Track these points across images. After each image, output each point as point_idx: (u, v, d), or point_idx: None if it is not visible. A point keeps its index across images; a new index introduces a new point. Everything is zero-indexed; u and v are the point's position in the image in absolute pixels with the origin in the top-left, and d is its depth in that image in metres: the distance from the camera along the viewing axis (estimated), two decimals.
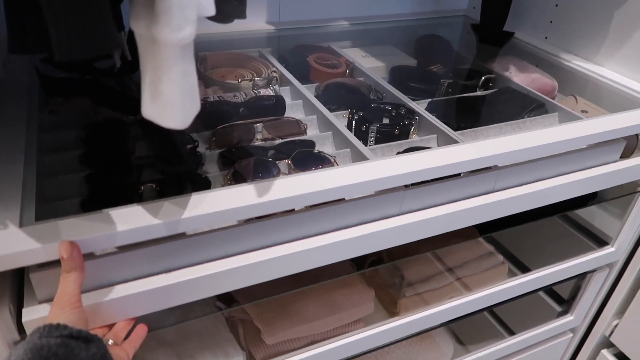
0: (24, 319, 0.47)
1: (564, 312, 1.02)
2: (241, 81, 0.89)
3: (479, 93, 0.93)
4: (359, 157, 0.71)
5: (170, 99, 0.42)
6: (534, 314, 1.05)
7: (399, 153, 0.72)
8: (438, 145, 0.78)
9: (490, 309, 1.09)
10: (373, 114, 0.79)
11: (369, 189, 0.59)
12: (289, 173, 0.68)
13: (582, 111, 0.86)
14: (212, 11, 0.44)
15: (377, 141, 0.77)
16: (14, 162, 0.53)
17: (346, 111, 0.81)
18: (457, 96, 0.90)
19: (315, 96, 0.84)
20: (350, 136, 0.73)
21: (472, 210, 0.66)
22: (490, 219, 0.69)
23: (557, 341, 1.04)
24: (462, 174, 0.67)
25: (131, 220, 0.48)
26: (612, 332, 1.03)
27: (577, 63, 0.96)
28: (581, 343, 1.09)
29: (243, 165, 0.66)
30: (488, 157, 0.64)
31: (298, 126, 0.78)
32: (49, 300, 0.48)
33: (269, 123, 0.77)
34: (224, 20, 0.52)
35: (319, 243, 0.58)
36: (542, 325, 0.99)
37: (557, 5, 1.02)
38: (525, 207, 0.72)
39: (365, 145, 0.74)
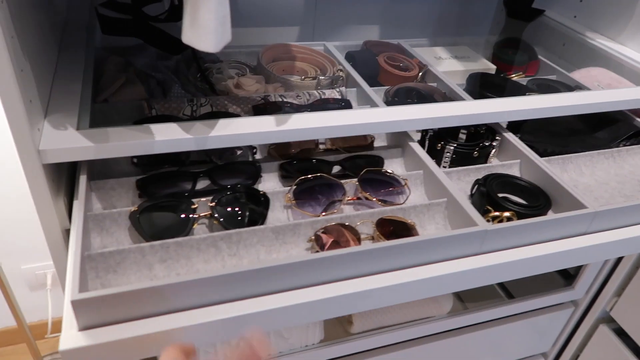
0: (60, 348, 0.43)
1: (568, 285, 1.00)
2: (304, 78, 0.82)
3: None
4: (433, 180, 0.63)
5: (206, 24, 0.48)
6: (540, 285, 1.02)
7: (477, 181, 0.64)
8: (521, 174, 0.69)
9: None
10: (449, 131, 0.71)
11: (378, 130, 0.66)
12: (357, 197, 0.61)
13: None
14: None
15: (453, 162, 0.69)
16: (74, 82, 0.61)
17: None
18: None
19: (384, 102, 0.76)
20: (424, 155, 0.65)
21: (562, 254, 0.58)
22: (582, 264, 0.60)
23: (558, 312, 1.03)
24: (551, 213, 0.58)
25: (168, 132, 0.54)
26: (612, 308, 1.03)
27: (601, 42, 0.96)
28: (582, 317, 1.09)
29: (305, 183, 0.59)
30: (490, 113, 0.68)
31: (364, 138, 0.71)
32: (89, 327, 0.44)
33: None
34: None
35: (393, 281, 0.51)
36: (544, 294, 0.97)
37: None
38: (619, 253, 0.63)
39: (439, 166, 0.66)
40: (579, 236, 0.60)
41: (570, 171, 0.72)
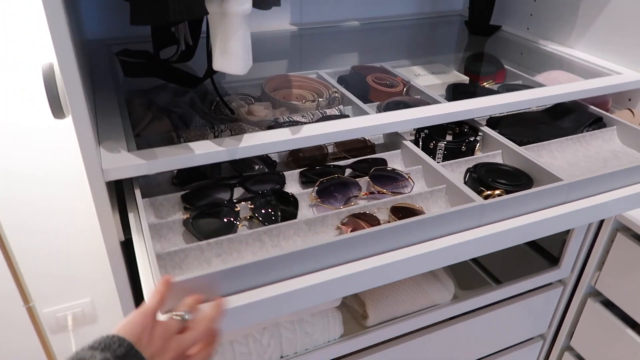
0: None
1: (554, 265, 1.13)
2: (305, 102, 0.93)
3: (535, 109, 0.95)
4: (431, 172, 0.74)
5: (235, 52, 0.59)
6: (527, 270, 1.14)
7: (468, 170, 0.75)
8: (503, 161, 0.80)
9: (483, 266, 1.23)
10: (438, 132, 0.82)
11: (376, 131, 0.78)
12: (369, 191, 0.71)
13: None
14: None
15: (444, 158, 0.80)
16: (114, 117, 0.72)
17: (410, 130, 0.84)
18: (514, 112, 0.92)
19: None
20: (420, 152, 0.76)
21: (549, 221, 0.69)
22: (566, 229, 0.71)
23: (549, 292, 1.16)
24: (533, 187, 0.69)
25: (204, 147, 0.65)
26: (596, 282, 1.15)
27: (554, 47, 1.12)
28: (571, 295, 1.21)
29: (325, 183, 0.69)
30: (456, 112, 0.80)
31: (366, 144, 0.81)
32: None
33: (340, 142, 0.80)
34: (264, 6, 0.65)
35: (414, 253, 0.61)
36: (534, 275, 1.10)
37: (535, 0, 1.17)
38: (594, 218, 0.74)
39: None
40: (559, 205, 0.71)
41: (544, 156, 0.83)
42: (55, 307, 1.30)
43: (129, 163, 0.61)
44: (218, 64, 0.61)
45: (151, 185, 0.71)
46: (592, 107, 0.92)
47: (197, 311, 0.50)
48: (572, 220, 0.71)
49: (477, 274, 1.22)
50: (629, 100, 0.99)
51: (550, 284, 1.19)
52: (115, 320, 1.39)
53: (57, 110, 0.58)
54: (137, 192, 0.64)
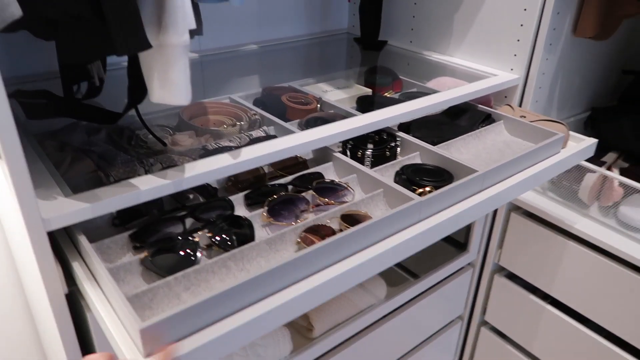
0: None
1: (462, 250, 1.26)
2: (227, 127, 0.93)
3: (434, 113, 1.06)
4: (367, 180, 0.79)
5: (178, 82, 0.59)
6: (438, 260, 1.26)
7: (397, 172, 0.82)
8: (422, 161, 0.89)
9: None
10: (362, 141, 0.88)
11: (311, 147, 0.80)
12: (316, 204, 0.74)
13: (521, 116, 1.02)
14: (194, 25, 0.60)
15: (373, 164, 0.86)
16: (35, 163, 0.68)
17: (336, 143, 0.89)
18: (419, 118, 1.02)
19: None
20: (353, 163, 0.81)
21: (472, 209, 0.77)
22: (485, 214, 0.80)
23: (461, 276, 1.29)
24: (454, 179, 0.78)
25: (148, 182, 0.63)
26: (499, 259, 1.32)
27: (436, 56, 1.27)
28: (480, 275, 1.37)
29: (274, 202, 0.71)
30: (377, 121, 0.87)
31: (297, 160, 0.84)
32: None
33: (275, 162, 0.82)
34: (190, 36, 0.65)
35: (365, 258, 0.64)
36: (448, 262, 1.23)
37: (414, 17, 1.31)
38: (509, 198, 0.85)
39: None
40: (478, 193, 0.80)
41: (454, 152, 0.93)
42: None
43: (71, 209, 0.57)
44: (157, 96, 0.60)
45: (89, 230, 0.66)
46: (480, 106, 1.05)
47: None
48: (491, 203, 0.81)
49: (396, 271, 1.31)
50: (505, 97, 1.15)
51: (461, 268, 1.32)
52: None
53: None
54: (83, 238, 0.60)
